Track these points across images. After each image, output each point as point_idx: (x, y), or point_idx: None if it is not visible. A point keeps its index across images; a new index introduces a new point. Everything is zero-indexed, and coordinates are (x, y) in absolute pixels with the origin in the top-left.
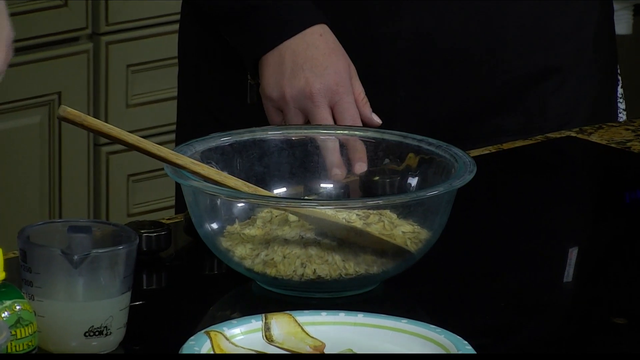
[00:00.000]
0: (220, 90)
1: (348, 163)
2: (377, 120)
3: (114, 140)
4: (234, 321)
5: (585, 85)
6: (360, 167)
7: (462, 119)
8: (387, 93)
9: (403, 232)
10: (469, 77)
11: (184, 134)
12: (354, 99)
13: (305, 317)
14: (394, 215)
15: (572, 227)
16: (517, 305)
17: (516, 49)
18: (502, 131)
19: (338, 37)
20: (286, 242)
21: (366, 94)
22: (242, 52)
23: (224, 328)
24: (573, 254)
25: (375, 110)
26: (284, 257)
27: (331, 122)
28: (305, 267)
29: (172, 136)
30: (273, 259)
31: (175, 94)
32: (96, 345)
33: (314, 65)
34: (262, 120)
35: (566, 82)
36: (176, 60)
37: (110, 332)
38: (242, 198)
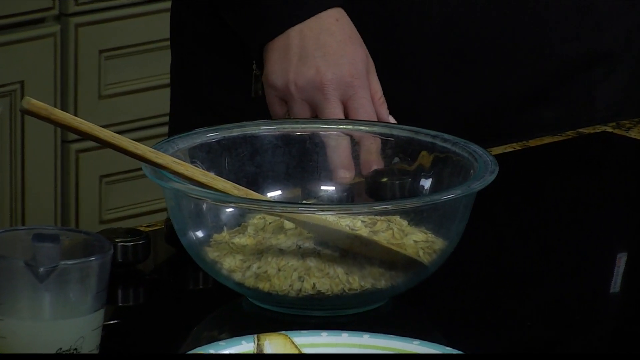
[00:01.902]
0: (221, 82)
1: (355, 162)
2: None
3: (85, 136)
4: (222, 342)
5: (637, 72)
6: (370, 169)
7: (498, 113)
8: (412, 85)
9: (415, 241)
10: (506, 66)
11: (179, 131)
12: (370, 95)
13: (303, 338)
14: (405, 222)
15: (607, 235)
16: (546, 324)
17: (559, 32)
18: (543, 126)
19: (355, 21)
20: (281, 252)
21: (388, 87)
22: (247, 37)
23: (211, 350)
24: (611, 265)
25: (398, 105)
26: (279, 269)
27: (342, 118)
28: (303, 281)
29: (151, 131)
30: (266, 271)
31: (156, 83)
32: None
33: (327, 53)
34: (268, 115)
35: (616, 69)
36: (156, 45)
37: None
38: (231, 202)
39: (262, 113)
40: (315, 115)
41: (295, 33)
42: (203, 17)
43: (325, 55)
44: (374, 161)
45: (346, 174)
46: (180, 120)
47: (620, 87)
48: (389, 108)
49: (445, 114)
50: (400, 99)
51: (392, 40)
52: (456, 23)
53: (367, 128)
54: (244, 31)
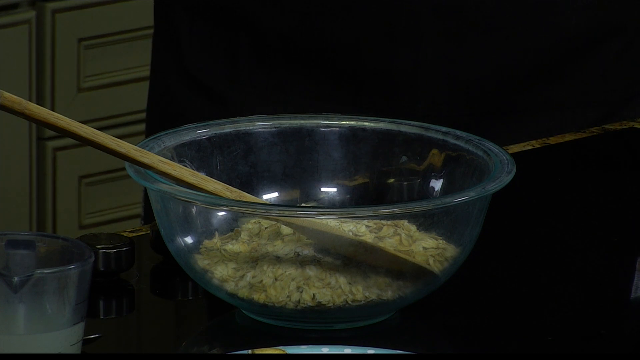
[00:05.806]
0: (206, 49)
1: (355, 159)
2: None
3: (63, 132)
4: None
5: None
6: None
7: (503, 87)
8: (408, 51)
9: (424, 247)
10: (512, 36)
11: (157, 103)
12: None
13: (302, 354)
14: (413, 227)
15: (637, 241)
16: (567, 338)
17: (571, 1)
18: (553, 103)
19: None
20: (278, 260)
21: (383, 51)
22: None
23: None
24: (637, 274)
25: (394, 72)
26: (276, 279)
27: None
28: (302, 292)
29: (136, 128)
30: (262, 281)
31: (140, 74)
32: None
33: None
34: (268, 97)
35: (633, 43)
36: (141, 33)
37: None
38: (223, 205)
39: (250, 82)
40: None
41: None
42: None
43: None
44: None
45: None
46: (160, 90)
47: (636, 65)
48: (383, 72)
49: (443, 84)
50: (395, 64)
51: (385, 1)
52: None
53: (372, 124)
54: None
